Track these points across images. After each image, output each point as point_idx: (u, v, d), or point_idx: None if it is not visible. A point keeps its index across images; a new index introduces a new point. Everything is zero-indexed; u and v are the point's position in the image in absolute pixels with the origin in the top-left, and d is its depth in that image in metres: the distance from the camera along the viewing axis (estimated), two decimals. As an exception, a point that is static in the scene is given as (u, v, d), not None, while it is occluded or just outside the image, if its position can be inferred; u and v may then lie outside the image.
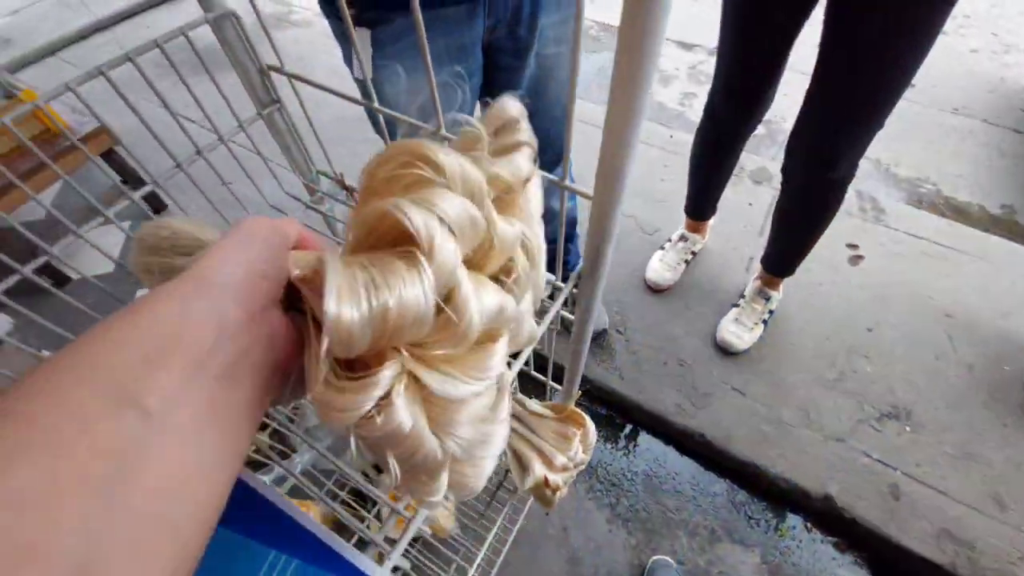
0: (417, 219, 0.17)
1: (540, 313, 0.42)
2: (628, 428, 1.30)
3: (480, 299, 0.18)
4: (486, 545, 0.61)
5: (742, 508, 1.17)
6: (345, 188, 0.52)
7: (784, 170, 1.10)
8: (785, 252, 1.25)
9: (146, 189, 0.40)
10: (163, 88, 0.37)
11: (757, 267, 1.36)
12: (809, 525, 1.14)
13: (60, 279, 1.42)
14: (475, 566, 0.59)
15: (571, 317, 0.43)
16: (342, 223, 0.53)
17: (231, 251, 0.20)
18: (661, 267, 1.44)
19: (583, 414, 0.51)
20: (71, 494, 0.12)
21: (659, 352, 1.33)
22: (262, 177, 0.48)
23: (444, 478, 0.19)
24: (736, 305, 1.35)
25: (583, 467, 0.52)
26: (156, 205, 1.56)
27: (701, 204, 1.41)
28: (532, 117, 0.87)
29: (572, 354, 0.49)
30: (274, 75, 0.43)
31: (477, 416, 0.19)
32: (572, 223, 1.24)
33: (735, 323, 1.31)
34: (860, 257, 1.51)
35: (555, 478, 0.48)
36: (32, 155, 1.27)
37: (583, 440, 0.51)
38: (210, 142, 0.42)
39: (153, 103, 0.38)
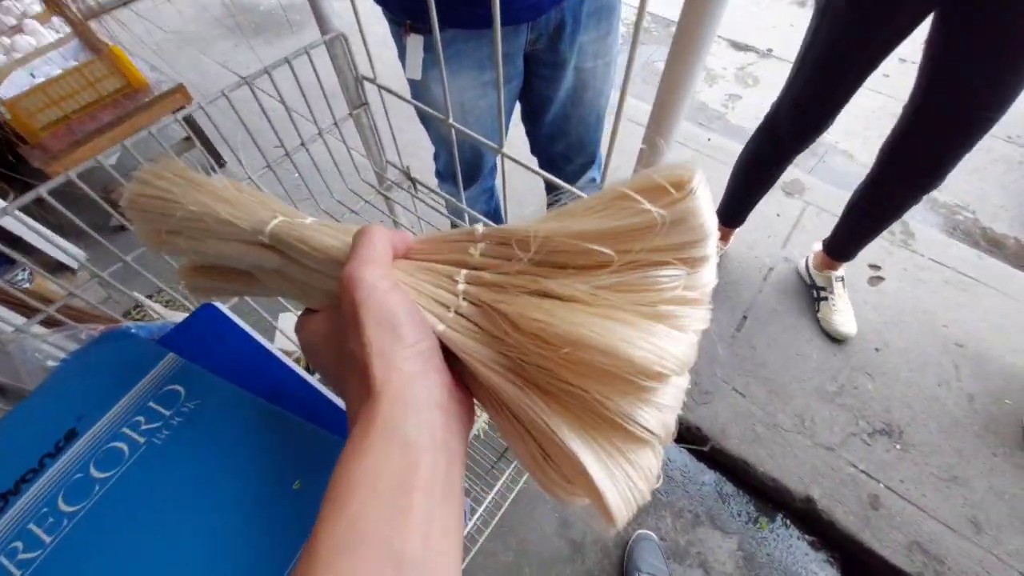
0: (654, 423, 0.19)
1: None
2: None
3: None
4: (494, 491, 0.71)
5: (728, 499, 1.25)
6: (410, 179, 0.61)
7: (875, 178, 1.14)
8: (853, 241, 1.33)
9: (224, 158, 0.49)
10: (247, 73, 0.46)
11: (778, 275, 1.41)
12: (788, 522, 1.22)
13: (124, 224, 1.57)
14: (483, 507, 0.70)
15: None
16: (403, 208, 0.62)
17: (396, 344, 0.20)
18: None
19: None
20: None
21: (668, 348, 1.40)
22: (329, 166, 0.58)
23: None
24: (823, 299, 1.41)
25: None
26: (217, 160, 1.69)
27: (736, 212, 1.46)
28: (567, 122, 0.98)
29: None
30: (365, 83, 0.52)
31: None
32: None
33: (838, 313, 1.38)
34: (880, 279, 1.53)
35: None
36: (114, 107, 1.40)
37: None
38: (310, 135, 0.51)
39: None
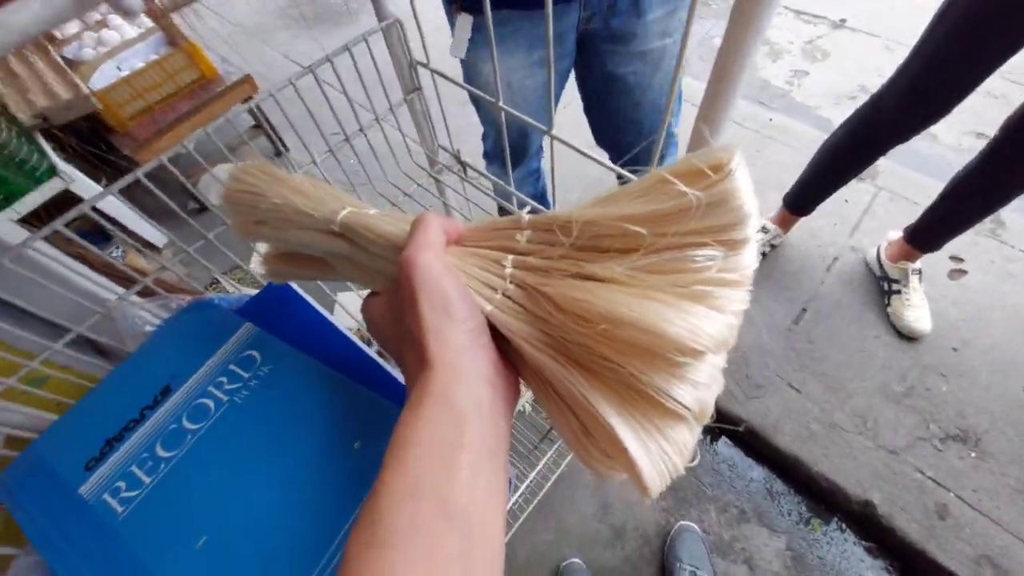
0: (688, 399, 0.20)
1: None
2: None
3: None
4: (535, 471, 0.73)
5: (777, 497, 1.21)
6: (460, 163, 0.62)
7: (994, 153, 1.02)
8: (948, 229, 1.22)
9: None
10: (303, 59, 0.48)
11: (843, 265, 1.33)
12: (844, 526, 1.17)
13: (203, 206, 1.70)
14: (525, 485, 0.72)
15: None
16: (454, 190, 0.64)
17: (448, 322, 0.22)
18: None
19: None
20: None
21: (719, 339, 1.36)
22: (385, 150, 0.60)
23: None
24: (895, 292, 1.32)
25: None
26: (279, 150, 1.79)
27: (808, 200, 1.36)
28: (638, 110, 0.96)
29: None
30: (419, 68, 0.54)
31: None
32: None
33: (912, 308, 1.29)
34: (963, 272, 1.41)
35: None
36: (191, 97, 1.51)
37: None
38: (367, 120, 0.54)
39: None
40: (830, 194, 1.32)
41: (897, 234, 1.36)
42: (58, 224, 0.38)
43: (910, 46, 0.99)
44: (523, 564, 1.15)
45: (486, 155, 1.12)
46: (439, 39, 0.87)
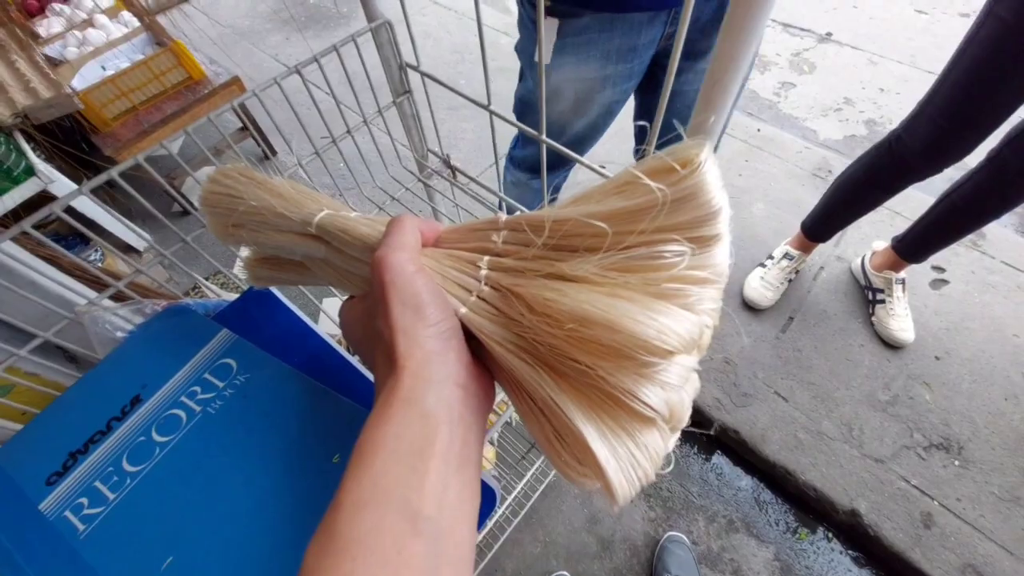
0: (656, 400, 0.19)
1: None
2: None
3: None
4: (523, 481, 0.72)
5: (765, 507, 1.21)
6: (449, 167, 0.61)
7: (994, 164, 0.99)
8: (937, 240, 1.20)
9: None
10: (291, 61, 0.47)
11: (829, 275, 1.33)
12: (831, 535, 1.17)
13: (186, 209, 1.67)
14: (512, 496, 0.70)
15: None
16: (443, 195, 0.63)
17: (419, 323, 0.21)
18: (761, 286, 1.39)
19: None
20: None
21: (707, 347, 1.36)
22: (373, 154, 0.59)
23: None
24: (879, 302, 1.33)
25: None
26: (270, 149, 1.76)
27: (827, 229, 1.34)
28: (674, 98, 0.90)
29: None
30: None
31: None
32: None
33: (896, 317, 1.29)
34: (944, 281, 1.43)
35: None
36: (177, 99, 1.48)
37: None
38: (355, 123, 0.53)
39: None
40: (847, 225, 1.31)
41: (882, 244, 1.38)
42: (26, 225, 0.37)
43: (894, 60, 1.00)
44: (510, 576, 1.13)
45: (513, 159, 1.09)
46: (427, 42, 0.86)
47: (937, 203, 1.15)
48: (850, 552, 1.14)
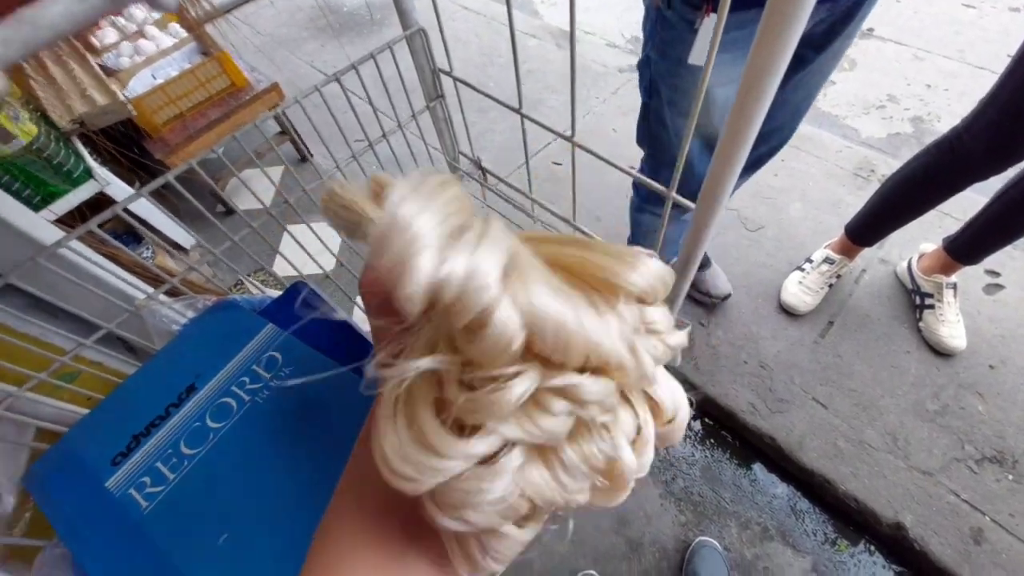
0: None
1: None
2: (692, 414, 1.34)
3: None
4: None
5: (802, 515, 1.17)
6: (480, 169, 0.62)
7: None
8: (994, 240, 1.14)
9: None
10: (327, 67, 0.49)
11: (872, 278, 1.28)
12: (872, 548, 1.12)
13: (229, 209, 1.75)
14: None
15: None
16: (473, 196, 0.64)
17: None
18: (800, 291, 1.34)
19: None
20: None
21: (739, 351, 1.33)
22: (406, 157, 0.61)
23: None
24: (928, 307, 1.27)
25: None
26: (305, 156, 1.83)
27: (875, 233, 1.28)
28: (782, 108, 0.89)
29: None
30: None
31: None
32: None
33: (946, 324, 1.23)
34: (999, 286, 1.35)
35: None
36: (221, 105, 1.55)
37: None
38: (390, 127, 0.54)
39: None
40: (899, 227, 1.24)
41: (930, 246, 1.32)
42: (92, 224, 0.40)
43: (942, 55, 0.96)
44: (537, 575, 1.13)
45: (642, 195, 1.06)
46: (458, 47, 0.88)
47: (992, 201, 1.09)
48: (894, 566, 1.09)
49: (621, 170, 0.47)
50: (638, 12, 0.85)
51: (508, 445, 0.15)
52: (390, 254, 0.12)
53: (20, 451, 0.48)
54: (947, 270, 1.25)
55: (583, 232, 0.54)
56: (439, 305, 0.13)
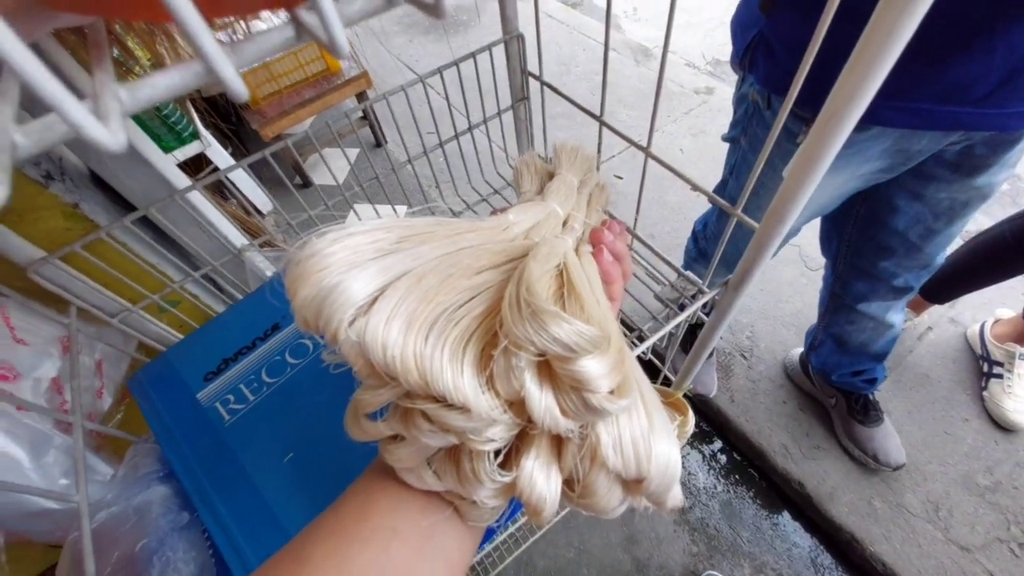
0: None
1: (681, 307, 0.52)
2: (719, 445, 1.31)
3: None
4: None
5: (823, 570, 1.13)
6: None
7: None
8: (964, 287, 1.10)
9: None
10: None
11: (938, 337, 1.21)
12: (895, 618, 1.06)
13: (307, 182, 1.88)
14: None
15: (705, 318, 0.52)
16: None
17: None
18: None
19: (687, 404, 0.59)
20: None
21: (780, 389, 1.29)
22: (470, 155, 0.65)
23: None
24: (996, 376, 1.18)
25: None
26: (380, 141, 1.94)
27: (955, 293, 1.21)
28: (929, 239, 0.84)
29: (694, 352, 0.58)
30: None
31: None
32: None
33: (1014, 397, 1.15)
34: (1084, 368, 1.24)
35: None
36: (315, 86, 1.67)
37: (681, 427, 0.59)
38: (476, 121, 0.59)
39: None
40: (975, 290, 1.17)
41: (1008, 312, 1.23)
42: (221, 175, 0.46)
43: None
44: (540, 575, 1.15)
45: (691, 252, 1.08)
46: (544, 53, 0.91)
47: None
48: (916, 643, 1.03)
49: (691, 184, 0.48)
50: (721, 35, 0.87)
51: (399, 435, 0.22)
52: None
53: (123, 359, 0.56)
54: (1022, 340, 1.16)
55: (641, 240, 0.56)
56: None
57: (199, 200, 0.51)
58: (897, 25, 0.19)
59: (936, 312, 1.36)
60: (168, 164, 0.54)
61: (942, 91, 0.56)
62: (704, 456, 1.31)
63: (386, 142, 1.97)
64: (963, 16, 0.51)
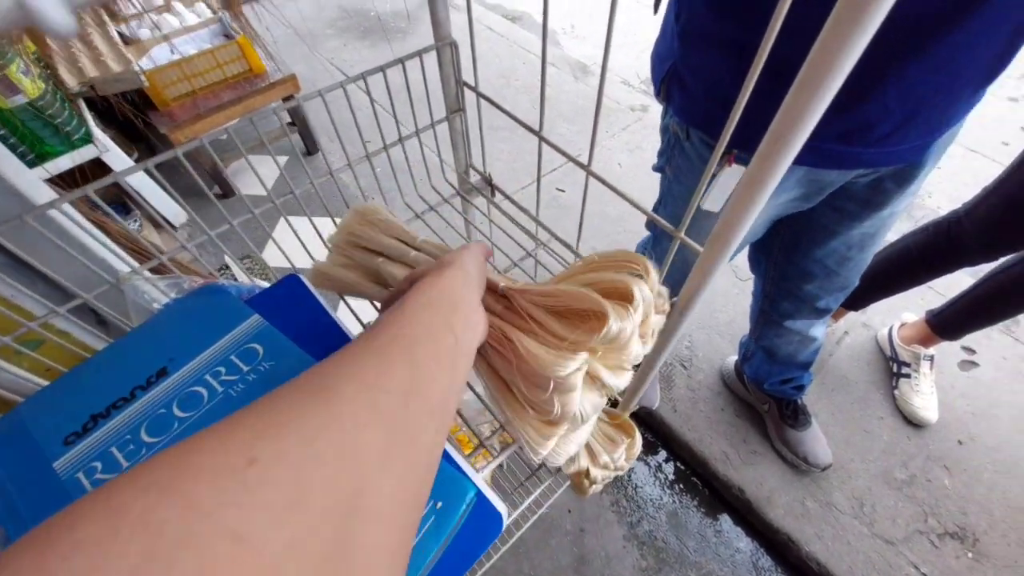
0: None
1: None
2: (664, 455, 1.33)
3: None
4: (518, 511, 0.70)
5: (763, 573, 1.16)
6: (490, 184, 0.62)
7: None
8: (978, 319, 1.16)
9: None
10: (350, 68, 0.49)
11: (853, 341, 1.30)
12: (829, 614, 1.11)
13: (227, 191, 1.72)
14: (504, 524, 0.69)
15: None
16: (479, 210, 0.64)
17: (473, 260, 0.33)
18: None
19: (634, 426, 0.57)
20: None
21: (718, 396, 1.33)
22: (416, 163, 0.60)
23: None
24: (904, 376, 1.28)
25: (622, 472, 0.59)
26: (312, 149, 1.82)
27: (867, 301, 1.30)
28: (844, 264, 0.94)
29: (640, 373, 0.56)
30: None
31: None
32: None
33: (920, 395, 1.25)
34: (974, 364, 1.38)
35: (595, 472, 0.56)
36: (235, 88, 1.55)
37: (628, 449, 0.57)
38: (407, 132, 0.54)
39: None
40: (885, 298, 1.27)
41: (912, 316, 1.35)
42: (89, 189, 0.38)
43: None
44: (489, 606, 1.09)
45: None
46: (479, 64, 0.88)
47: (982, 282, 1.12)
48: (849, 636, 1.08)
49: (633, 204, 0.47)
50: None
51: None
52: None
53: (-34, 416, 0.45)
54: (926, 342, 1.27)
55: (580, 258, 0.54)
56: None
57: (71, 219, 0.42)
58: (830, 73, 0.22)
59: (851, 318, 1.46)
60: (22, 173, 0.44)
61: (844, 133, 0.59)
62: (650, 467, 1.32)
63: (319, 150, 1.86)
64: (857, 65, 0.54)
